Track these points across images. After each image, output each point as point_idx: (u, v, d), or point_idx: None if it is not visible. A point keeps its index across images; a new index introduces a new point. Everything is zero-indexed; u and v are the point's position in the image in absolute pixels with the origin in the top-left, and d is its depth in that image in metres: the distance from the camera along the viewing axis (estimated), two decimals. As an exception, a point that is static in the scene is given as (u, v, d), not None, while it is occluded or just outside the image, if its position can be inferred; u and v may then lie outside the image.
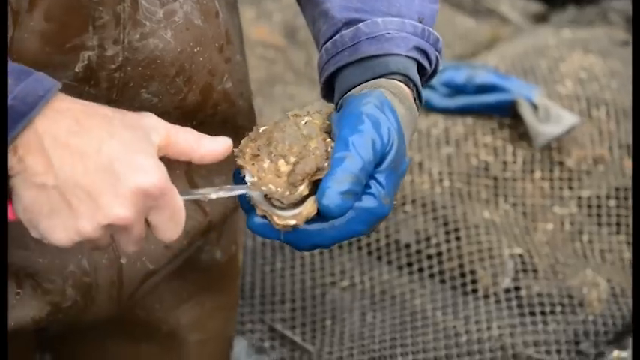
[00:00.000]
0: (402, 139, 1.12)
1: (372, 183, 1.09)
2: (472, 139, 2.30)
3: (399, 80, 1.17)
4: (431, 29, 1.21)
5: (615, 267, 2.14)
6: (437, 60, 1.22)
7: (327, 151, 1.09)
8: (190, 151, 1.06)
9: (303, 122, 1.11)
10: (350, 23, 1.19)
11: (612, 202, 2.24)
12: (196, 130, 1.07)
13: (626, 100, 2.39)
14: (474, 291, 2.08)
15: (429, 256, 2.14)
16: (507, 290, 2.06)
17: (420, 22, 1.20)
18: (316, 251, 2.17)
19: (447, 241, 2.14)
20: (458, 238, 2.14)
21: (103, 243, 1.03)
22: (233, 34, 1.29)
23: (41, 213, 1.00)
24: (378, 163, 1.09)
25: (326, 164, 1.08)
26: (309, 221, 1.08)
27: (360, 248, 2.17)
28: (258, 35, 2.81)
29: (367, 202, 1.08)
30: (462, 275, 2.10)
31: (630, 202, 2.24)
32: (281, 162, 1.08)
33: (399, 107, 1.13)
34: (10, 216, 1.03)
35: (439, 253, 2.14)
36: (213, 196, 1.10)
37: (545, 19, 3.11)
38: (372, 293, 2.09)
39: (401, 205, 2.19)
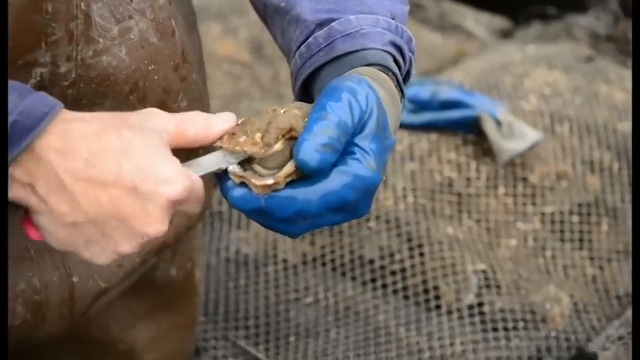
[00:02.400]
0: (384, 114, 1.10)
1: (356, 149, 1.06)
2: (436, 155, 2.31)
3: (377, 70, 1.15)
4: (404, 27, 1.20)
5: (578, 283, 2.15)
6: (410, 61, 1.21)
7: (304, 126, 1.07)
8: (201, 138, 1.06)
9: (282, 111, 1.09)
10: (322, 24, 1.17)
11: (575, 218, 2.25)
12: None
13: (589, 116, 2.40)
14: (438, 307, 2.08)
15: (393, 272, 2.14)
16: (470, 306, 2.07)
17: (393, 19, 1.19)
18: (280, 267, 2.17)
19: (411, 257, 2.14)
20: (422, 254, 2.14)
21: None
22: (190, 54, 1.28)
23: (78, 245, 1.01)
24: (359, 130, 1.07)
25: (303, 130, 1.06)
26: (291, 184, 1.05)
27: (324, 264, 2.17)
28: (224, 51, 2.80)
29: (352, 166, 1.05)
30: (426, 291, 2.10)
31: (593, 217, 2.25)
32: (257, 135, 1.06)
33: (379, 89, 1.11)
34: (36, 237, 1.03)
35: (403, 269, 2.14)
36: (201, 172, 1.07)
37: (510, 34, 3.12)
38: (336, 309, 2.09)
39: (365, 220, 2.19)
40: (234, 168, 1.07)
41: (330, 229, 2.20)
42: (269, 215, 1.05)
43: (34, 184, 0.97)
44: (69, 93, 1.14)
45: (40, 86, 1.11)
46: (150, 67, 1.19)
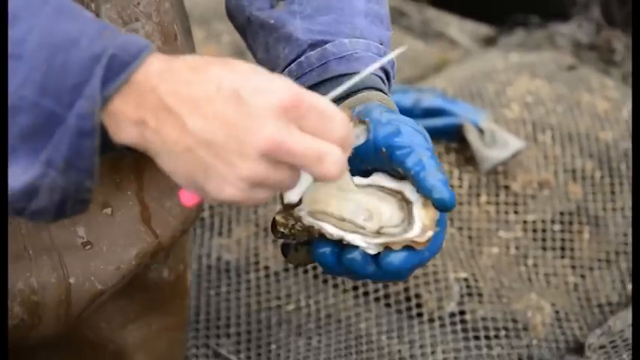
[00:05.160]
0: None
1: None
2: (419, 162, 2.30)
3: (381, 94, 1.19)
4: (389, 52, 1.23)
5: (559, 291, 2.15)
6: (391, 84, 1.25)
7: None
8: None
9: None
10: (315, 45, 1.20)
11: (557, 227, 2.25)
12: None
13: (572, 124, 2.41)
14: (419, 315, 2.08)
15: (375, 280, 2.14)
16: (452, 314, 2.06)
17: (381, 44, 1.23)
18: (262, 274, 2.16)
19: (393, 264, 2.14)
20: (404, 262, 2.14)
21: (272, 179, 0.98)
22: None
23: (199, 177, 0.97)
24: None
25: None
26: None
27: (305, 271, 2.16)
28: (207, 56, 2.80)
29: None
30: (407, 299, 2.10)
31: (575, 226, 2.25)
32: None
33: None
34: (193, 201, 1.01)
35: (385, 277, 2.13)
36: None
37: (493, 42, 3.13)
38: (318, 317, 2.09)
39: (347, 228, 2.18)
40: (377, 239, 1.09)
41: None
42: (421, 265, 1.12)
43: (145, 118, 0.96)
44: None
45: None
46: None
